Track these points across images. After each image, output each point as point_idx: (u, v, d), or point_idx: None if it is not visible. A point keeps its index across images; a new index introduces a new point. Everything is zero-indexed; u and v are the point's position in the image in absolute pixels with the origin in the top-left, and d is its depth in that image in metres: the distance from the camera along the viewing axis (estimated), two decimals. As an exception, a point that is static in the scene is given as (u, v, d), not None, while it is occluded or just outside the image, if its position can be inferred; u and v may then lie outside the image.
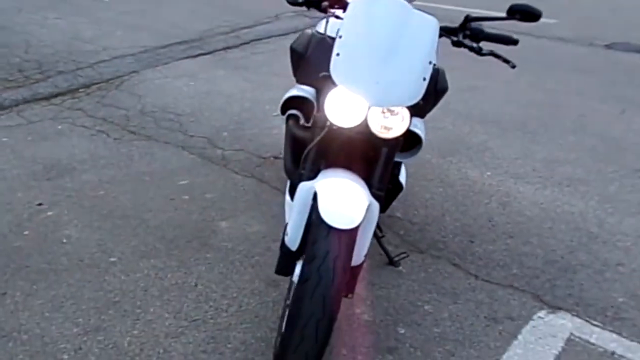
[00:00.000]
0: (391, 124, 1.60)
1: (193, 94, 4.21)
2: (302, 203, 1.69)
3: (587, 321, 2.13)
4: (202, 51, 5.19)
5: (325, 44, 1.84)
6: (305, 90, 1.89)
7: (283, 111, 1.95)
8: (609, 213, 2.80)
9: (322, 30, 1.88)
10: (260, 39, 5.59)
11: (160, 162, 3.21)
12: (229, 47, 5.33)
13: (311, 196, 1.66)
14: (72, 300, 2.17)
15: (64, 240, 2.51)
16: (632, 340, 2.04)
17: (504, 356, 1.96)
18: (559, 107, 4.08)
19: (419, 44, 1.59)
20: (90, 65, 4.78)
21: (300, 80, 1.96)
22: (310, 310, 1.51)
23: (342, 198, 1.59)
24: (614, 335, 2.07)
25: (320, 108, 1.71)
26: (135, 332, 2.02)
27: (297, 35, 2.10)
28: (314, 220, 1.58)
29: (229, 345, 1.97)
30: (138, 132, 3.56)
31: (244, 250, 2.46)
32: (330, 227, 1.54)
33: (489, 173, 3.13)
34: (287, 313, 1.59)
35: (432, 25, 1.64)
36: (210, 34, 5.70)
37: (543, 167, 3.22)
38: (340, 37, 1.61)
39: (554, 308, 2.18)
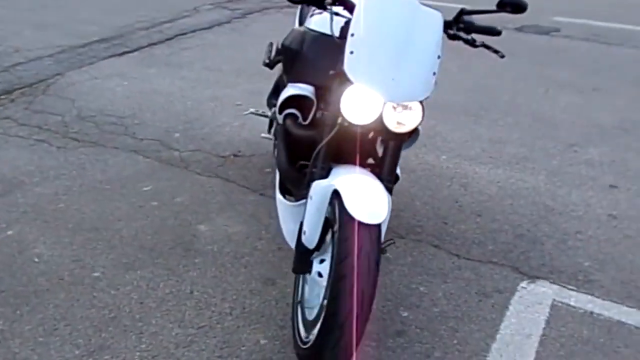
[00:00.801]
0: (405, 119, 1.66)
1: (128, 94, 4.05)
2: (319, 201, 1.72)
3: (563, 287, 2.32)
4: (127, 49, 4.98)
5: (321, 41, 1.87)
6: (303, 89, 1.91)
7: (280, 110, 1.96)
8: (558, 186, 3.04)
9: (314, 27, 1.90)
10: (185, 34, 5.45)
11: (115, 168, 3.08)
12: (153, 44, 5.15)
13: (329, 194, 1.70)
14: (65, 322, 2.06)
15: (36, 260, 2.37)
16: (604, 300, 2.26)
17: (502, 326, 2.11)
18: (492, 89, 4.33)
19: (429, 39, 1.66)
20: (5, 69, 4.45)
21: (294, 78, 1.96)
22: (349, 306, 1.55)
23: (367, 194, 1.64)
24: (589, 297, 2.28)
25: (331, 106, 1.73)
26: (143, 346, 1.96)
27: (220, 27, 2.09)
28: (342, 218, 1.61)
29: (243, 348, 1.97)
30: (82, 139, 3.39)
31: (231, 252, 2.44)
32: (360, 224, 1.59)
33: (444, 157, 3.29)
34: (323, 311, 1.62)
35: (438, 20, 1.71)
36: (129, 30, 5.47)
37: (491, 147, 3.43)
38: (352, 35, 1.64)
39: (533, 277, 2.37)
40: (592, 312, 2.19)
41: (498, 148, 3.42)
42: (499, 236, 2.61)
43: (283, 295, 2.19)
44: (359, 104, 1.64)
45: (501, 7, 1.81)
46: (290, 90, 1.93)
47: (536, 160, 3.29)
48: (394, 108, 1.65)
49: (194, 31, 5.54)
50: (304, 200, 2.09)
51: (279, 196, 2.20)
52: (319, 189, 1.73)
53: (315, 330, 1.70)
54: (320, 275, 1.80)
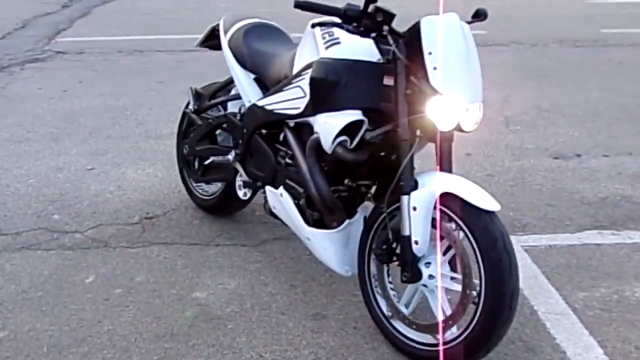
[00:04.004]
0: (475, 118, 1.89)
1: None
2: (426, 209, 1.83)
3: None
4: None
5: (358, 67, 1.94)
6: (354, 114, 1.94)
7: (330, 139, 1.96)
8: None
9: (344, 56, 1.94)
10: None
11: (24, 274, 2.48)
12: None
13: (434, 202, 1.83)
14: None
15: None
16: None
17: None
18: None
19: (474, 47, 1.90)
20: None
21: (333, 107, 1.96)
22: (512, 285, 1.73)
23: (474, 188, 1.82)
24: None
25: (407, 122, 1.84)
26: None
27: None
28: (468, 213, 1.77)
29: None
30: None
31: (255, 306, 2.27)
32: (489, 212, 1.77)
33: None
34: (481, 298, 1.75)
35: (470, 30, 1.96)
36: None
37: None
38: (430, 53, 1.78)
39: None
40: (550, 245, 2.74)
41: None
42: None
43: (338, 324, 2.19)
44: (450, 111, 1.81)
45: (476, 17, 2.14)
46: (347, 117, 1.94)
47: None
48: (467, 110, 1.86)
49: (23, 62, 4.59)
50: (347, 222, 2.15)
51: (310, 230, 2.17)
52: (421, 198, 1.83)
53: (460, 324, 1.82)
54: (431, 277, 1.90)
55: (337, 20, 1.91)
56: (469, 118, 1.86)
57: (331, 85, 1.96)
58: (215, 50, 2.86)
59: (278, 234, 2.76)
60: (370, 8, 1.86)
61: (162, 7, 8.77)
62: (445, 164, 1.97)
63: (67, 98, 4.74)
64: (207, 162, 2.68)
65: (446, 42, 1.81)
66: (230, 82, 2.64)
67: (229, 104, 2.63)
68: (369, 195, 2.25)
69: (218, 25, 2.73)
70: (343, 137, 1.97)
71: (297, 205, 2.22)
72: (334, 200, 2.10)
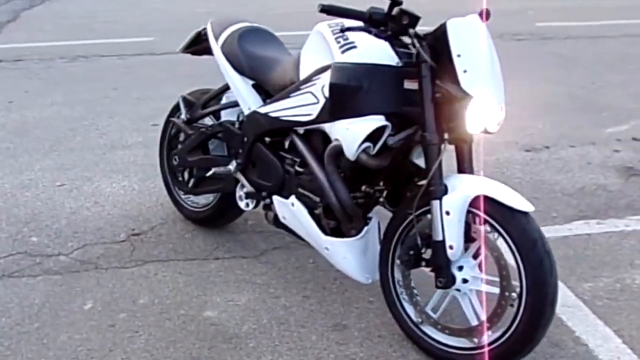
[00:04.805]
0: (499, 119, 1.89)
1: None
2: (459, 212, 1.81)
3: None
4: None
5: (379, 71, 1.90)
6: (378, 119, 1.90)
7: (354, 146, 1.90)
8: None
9: (361, 60, 1.89)
10: None
11: (13, 304, 2.27)
12: None
13: (467, 205, 1.82)
14: None
15: None
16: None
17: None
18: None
19: (494, 48, 1.90)
20: None
21: (356, 113, 1.91)
22: (553, 284, 1.76)
23: (506, 189, 1.82)
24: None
25: (435, 125, 1.82)
26: None
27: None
28: (504, 215, 1.77)
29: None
30: None
31: (272, 321, 2.19)
32: (524, 213, 1.78)
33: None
34: (522, 300, 1.76)
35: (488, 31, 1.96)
36: None
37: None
38: (459, 55, 1.77)
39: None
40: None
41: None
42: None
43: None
44: (481, 114, 1.81)
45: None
46: (368, 125, 1.89)
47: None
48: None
49: None
50: (366, 229, 2.11)
51: (328, 239, 2.11)
52: (454, 202, 1.81)
53: (498, 326, 1.83)
54: (465, 281, 1.89)
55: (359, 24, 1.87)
56: (494, 119, 1.87)
57: (352, 91, 1.91)
58: (199, 55, 2.75)
59: (277, 243, 2.69)
60: (395, 11, 1.83)
61: (93, 10, 8.41)
62: (467, 166, 1.97)
63: (15, 109, 4.44)
64: (202, 173, 2.58)
65: (473, 45, 1.81)
66: (223, 90, 2.53)
67: (223, 112, 2.53)
68: (381, 200, 2.23)
69: (204, 30, 2.62)
70: (367, 144, 1.93)
71: (312, 215, 2.16)
72: (354, 208, 2.06)
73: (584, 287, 2.41)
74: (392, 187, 2.17)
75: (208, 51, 2.68)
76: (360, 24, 1.87)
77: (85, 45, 6.31)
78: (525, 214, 1.79)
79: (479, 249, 1.91)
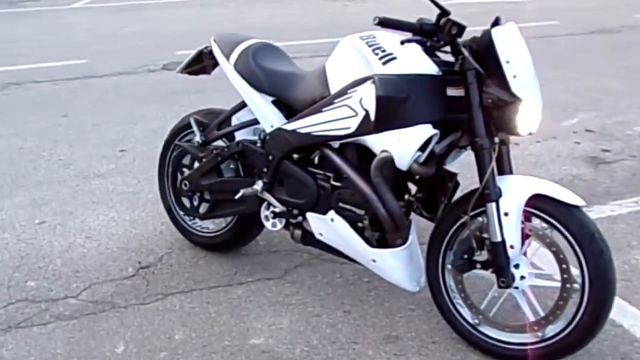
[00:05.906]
0: (539, 121, 1.97)
1: None
2: (517, 212, 1.87)
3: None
4: None
5: (422, 81, 1.92)
6: (428, 128, 1.91)
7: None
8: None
9: (404, 71, 1.90)
10: None
11: (33, 358, 2.08)
12: None
13: (523, 205, 1.87)
14: None
15: None
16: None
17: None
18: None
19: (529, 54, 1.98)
20: None
21: (404, 123, 1.91)
22: (613, 272, 1.84)
23: (557, 186, 1.89)
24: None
25: (484, 129, 1.87)
26: None
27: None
28: (560, 212, 1.84)
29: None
30: None
31: (322, 341, 2.13)
32: (578, 208, 1.86)
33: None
34: (585, 291, 1.82)
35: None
36: None
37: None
38: (508, 62, 1.82)
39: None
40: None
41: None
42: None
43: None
44: (531, 116, 1.87)
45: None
46: (424, 132, 1.88)
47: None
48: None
49: None
50: (411, 238, 2.12)
51: (375, 251, 2.10)
52: (512, 203, 1.86)
53: (557, 321, 1.90)
54: (522, 278, 1.94)
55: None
56: (537, 120, 1.95)
57: (399, 102, 1.92)
58: (195, 75, 2.67)
59: (297, 261, 2.64)
60: (442, 21, 1.86)
61: (16, 34, 7.90)
62: (506, 167, 2.04)
63: (-42, 145, 4.08)
64: (217, 196, 2.49)
65: (517, 50, 1.87)
66: (237, 110, 2.45)
67: (237, 132, 2.45)
68: (416, 207, 2.25)
69: (207, 48, 2.53)
70: (418, 153, 1.94)
71: (355, 228, 2.14)
72: (403, 218, 2.06)
73: (600, 272, 2.55)
74: (428, 194, 2.21)
75: (204, 70, 2.62)
76: (409, 35, 1.89)
77: (15, 70, 5.89)
78: (578, 208, 1.87)
79: (528, 246, 1.98)
